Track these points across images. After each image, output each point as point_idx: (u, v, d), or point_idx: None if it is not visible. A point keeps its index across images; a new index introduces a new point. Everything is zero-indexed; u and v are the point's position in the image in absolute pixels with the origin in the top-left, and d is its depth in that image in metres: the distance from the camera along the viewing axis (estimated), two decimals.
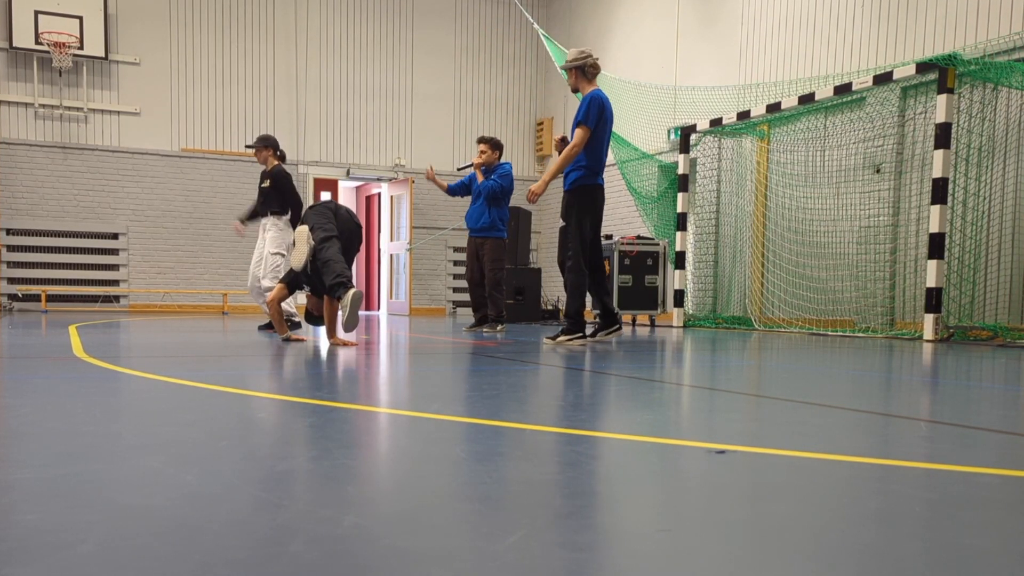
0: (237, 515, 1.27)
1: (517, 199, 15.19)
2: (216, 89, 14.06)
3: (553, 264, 15.69)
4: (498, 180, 8.43)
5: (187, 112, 13.89)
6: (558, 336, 6.18)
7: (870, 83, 8.30)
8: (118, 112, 13.45)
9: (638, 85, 11.49)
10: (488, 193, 8.42)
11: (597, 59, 6.41)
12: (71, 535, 1.16)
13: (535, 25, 12.28)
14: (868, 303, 8.91)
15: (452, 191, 8.66)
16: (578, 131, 6.10)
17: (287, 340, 5.96)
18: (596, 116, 6.11)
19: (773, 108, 9.35)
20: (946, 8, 8.47)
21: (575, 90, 6.40)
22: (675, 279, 10.65)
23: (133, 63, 13.49)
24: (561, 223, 6.19)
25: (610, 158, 11.30)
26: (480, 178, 8.48)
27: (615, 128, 11.14)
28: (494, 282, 8.53)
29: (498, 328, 8.45)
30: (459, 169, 9.00)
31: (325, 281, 5.44)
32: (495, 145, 8.55)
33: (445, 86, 15.79)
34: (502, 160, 8.71)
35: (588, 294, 6.49)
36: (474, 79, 16.02)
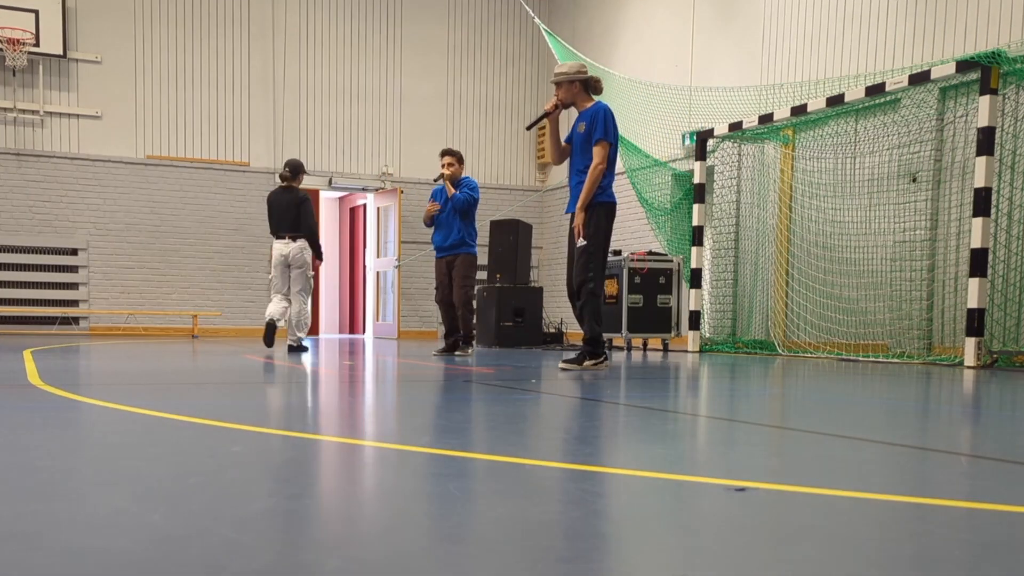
0: (209, 559, 1.28)
1: (510, 212, 15.23)
2: (185, 91, 14.11)
3: (555, 283, 15.69)
4: (469, 192, 8.60)
5: (153, 116, 13.94)
6: (583, 361, 6.26)
7: (905, 83, 8.33)
8: (77, 115, 13.50)
9: (650, 86, 11.54)
10: (461, 205, 8.55)
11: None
12: None
13: (536, 20, 12.36)
14: (903, 326, 8.91)
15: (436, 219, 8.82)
16: (600, 148, 6.22)
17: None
18: (613, 130, 6.29)
19: (798, 111, 9.39)
20: (989, 1, 8.53)
21: (568, 105, 6.49)
22: (690, 299, 10.66)
23: (94, 62, 13.55)
24: (581, 243, 6.26)
25: (619, 166, 11.33)
26: (451, 191, 8.59)
27: (624, 133, 11.20)
28: (465, 299, 8.66)
29: (469, 351, 8.59)
30: (434, 180, 9.00)
31: None
32: (460, 158, 8.73)
33: (437, 88, 15.85)
34: (464, 173, 8.88)
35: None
36: (469, 80, 16.09)
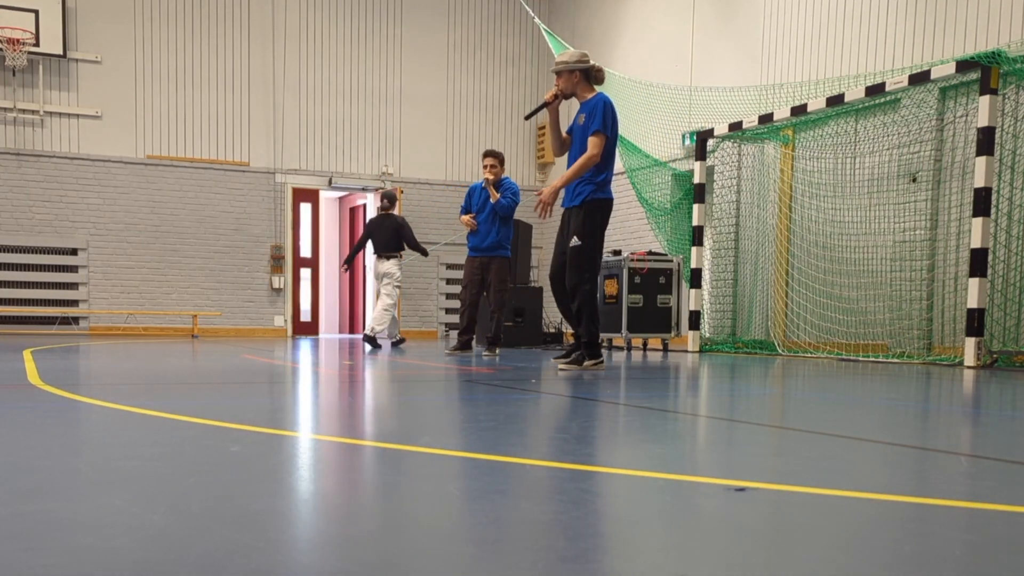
0: (208, 559, 1.28)
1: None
2: (185, 90, 14.11)
3: None
4: (512, 197, 8.67)
5: (153, 115, 13.94)
6: (583, 362, 6.24)
7: (905, 83, 8.33)
8: (77, 115, 13.50)
9: (649, 86, 11.54)
10: (504, 211, 8.64)
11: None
12: None
13: (536, 19, 12.35)
14: (903, 326, 8.91)
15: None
16: (596, 139, 6.10)
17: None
18: (612, 123, 6.18)
19: (798, 110, 9.39)
20: (989, 1, 8.53)
21: (569, 95, 6.38)
22: (690, 299, 10.66)
23: (94, 62, 13.55)
24: (575, 242, 6.19)
25: (618, 166, 11.33)
26: (494, 195, 8.60)
27: (623, 132, 11.19)
28: (501, 303, 8.85)
29: (496, 352, 8.70)
30: (482, 188, 9.07)
31: None
32: (502, 159, 8.79)
33: (437, 87, 15.85)
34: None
35: (566, 317, 6.59)
36: (469, 80, 16.09)
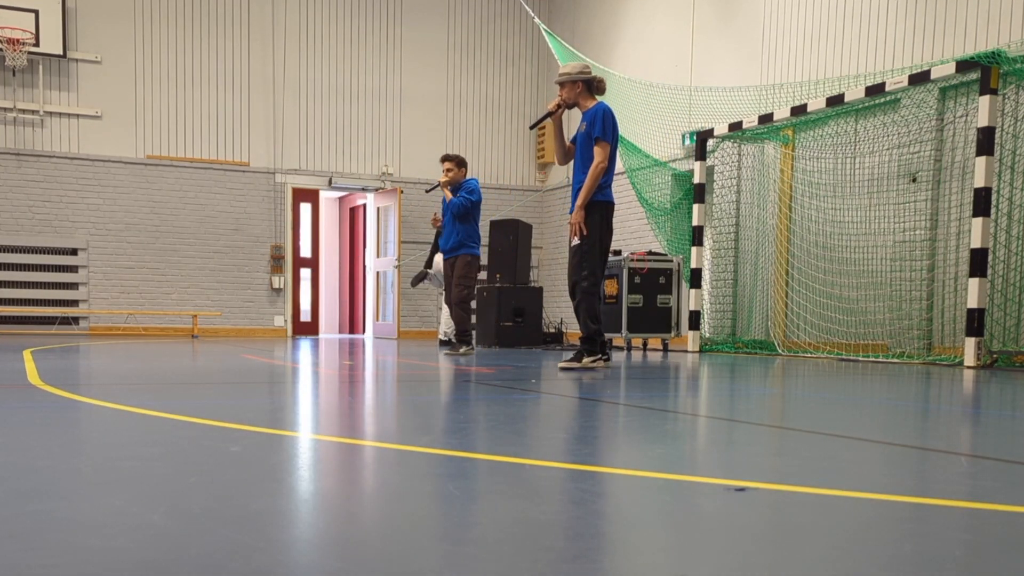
0: (208, 558, 1.28)
1: (510, 212, 15.25)
2: (185, 90, 14.11)
3: (555, 283, 15.70)
4: (465, 196, 8.79)
5: (153, 115, 13.94)
6: (581, 358, 6.32)
7: (905, 83, 8.33)
8: (77, 115, 13.50)
9: (649, 86, 11.54)
10: (456, 210, 8.78)
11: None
12: None
13: (536, 20, 12.34)
14: (903, 326, 8.91)
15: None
16: (599, 148, 6.33)
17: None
18: (612, 130, 6.39)
19: (798, 111, 9.39)
20: (989, 1, 8.53)
21: (571, 105, 6.58)
22: (690, 299, 10.66)
23: (94, 62, 13.54)
24: (574, 242, 6.36)
25: (618, 166, 11.33)
26: (448, 197, 8.83)
27: (624, 133, 11.20)
28: (459, 299, 8.89)
29: (462, 350, 8.61)
30: (427, 192, 9.96)
31: None
32: (460, 163, 8.95)
33: (437, 87, 15.85)
34: (467, 176, 9.05)
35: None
36: (469, 80, 16.08)
